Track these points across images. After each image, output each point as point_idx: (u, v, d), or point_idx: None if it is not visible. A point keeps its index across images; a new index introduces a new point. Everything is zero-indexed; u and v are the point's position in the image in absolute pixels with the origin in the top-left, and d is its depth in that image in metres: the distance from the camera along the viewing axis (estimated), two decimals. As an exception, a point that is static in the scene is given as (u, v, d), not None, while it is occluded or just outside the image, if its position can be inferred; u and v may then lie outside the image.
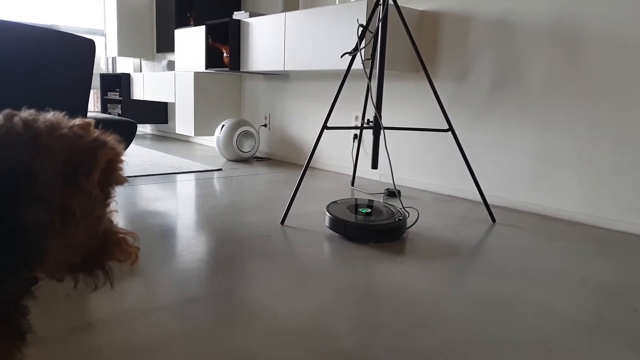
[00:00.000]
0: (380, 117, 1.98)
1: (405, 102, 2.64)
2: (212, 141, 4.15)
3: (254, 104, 3.73)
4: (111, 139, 0.45)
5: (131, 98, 4.48)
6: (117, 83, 4.60)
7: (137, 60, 5.12)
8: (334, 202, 1.83)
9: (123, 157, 0.47)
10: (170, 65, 4.27)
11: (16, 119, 0.44)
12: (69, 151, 0.42)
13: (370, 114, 2.58)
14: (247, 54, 3.11)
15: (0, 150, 0.39)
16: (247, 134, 3.41)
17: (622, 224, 1.90)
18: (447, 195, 2.48)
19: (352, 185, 2.65)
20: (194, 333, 1.01)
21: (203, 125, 3.65)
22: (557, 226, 1.95)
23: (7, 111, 0.46)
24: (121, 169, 0.49)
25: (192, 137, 4.44)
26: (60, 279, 0.48)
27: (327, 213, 1.72)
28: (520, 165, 2.19)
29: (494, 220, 1.98)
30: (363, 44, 1.98)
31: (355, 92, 2.89)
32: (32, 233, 0.39)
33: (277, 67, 2.89)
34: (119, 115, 4.47)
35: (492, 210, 2.15)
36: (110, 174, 0.45)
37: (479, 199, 2.33)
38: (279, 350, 0.95)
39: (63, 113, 0.53)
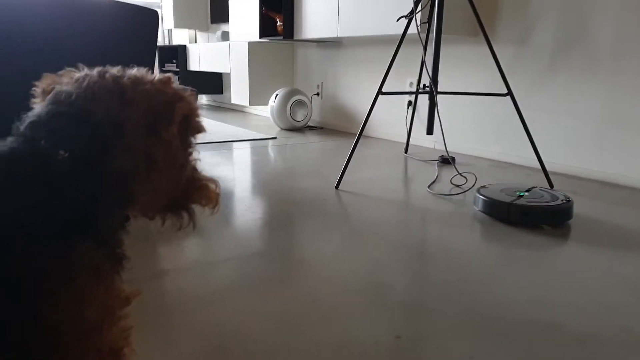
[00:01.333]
0: (437, 82, 1.95)
1: (462, 67, 2.58)
2: (266, 110, 4.23)
3: (307, 72, 3.75)
4: (188, 93, 0.50)
5: (187, 69, 4.61)
6: (174, 55, 4.74)
7: (192, 31, 5.24)
8: (482, 186, 1.68)
9: (199, 111, 0.51)
10: (225, 36, 4.34)
11: (107, 75, 0.49)
12: (150, 105, 0.47)
13: (425, 80, 2.55)
14: (300, 22, 3.13)
15: (93, 103, 0.44)
16: (300, 103, 3.45)
17: (692, 192, 1.82)
18: (505, 162, 2.43)
19: (406, 152, 2.64)
20: (259, 282, 1.08)
21: (257, 95, 3.72)
22: (619, 193, 1.88)
23: (100, 68, 0.51)
24: (198, 120, 0.53)
25: (247, 106, 4.53)
26: (151, 217, 0.54)
27: (480, 196, 1.59)
28: (583, 130, 2.11)
29: (552, 186, 1.94)
30: (419, 7, 1.94)
31: (409, 58, 2.85)
32: (121, 177, 0.45)
33: (331, 33, 2.89)
34: (176, 86, 4.62)
35: (552, 177, 2.09)
36: (188, 126, 0.49)
37: (537, 165, 2.27)
38: (339, 300, 1.00)
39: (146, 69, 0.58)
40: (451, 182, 1.99)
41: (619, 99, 1.98)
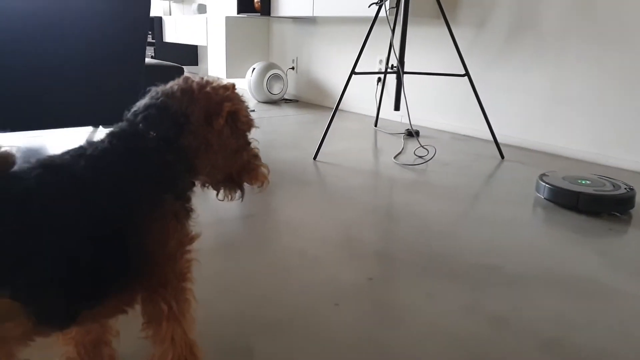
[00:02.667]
0: (403, 63, 2.17)
1: (428, 48, 2.79)
2: (243, 83, 4.36)
3: (282, 47, 3.90)
4: (235, 96, 0.68)
5: (163, 41, 4.66)
6: (150, 26, 4.77)
7: (166, 3, 5.25)
8: (544, 174, 1.73)
9: (244, 110, 0.69)
10: (201, 9, 4.41)
11: (189, 80, 0.68)
12: (207, 103, 0.66)
13: (394, 59, 2.75)
14: None
15: (172, 99, 0.64)
16: (276, 77, 3.61)
17: (619, 161, 2.11)
18: (464, 135, 2.69)
19: (376, 126, 2.87)
20: (252, 238, 1.29)
21: (234, 68, 3.85)
22: (560, 162, 2.17)
23: (185, 75, 0.70)
24: (244, 118, 0.70)
25: (224, 79, 4.64)
26: (212, 187, 0.73)
27: (546, 185, 1.64)
28: (533, 106, 2.38)
29: (502, 156, 2.21)
30: (390, -6, 2.13)
31: (380, 37, 3.04)
32: (189, 153, 0.65)
33: (307, 12, 3.04)
34: (152, 57, 4.68)
35: (505, 148, 2.36)
36: (236, 120, 0.68)
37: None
38: (321, 251, 1.23)
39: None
40: (415, 154, 2.23)
41: (565, 78, 2.24)
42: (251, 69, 3.62)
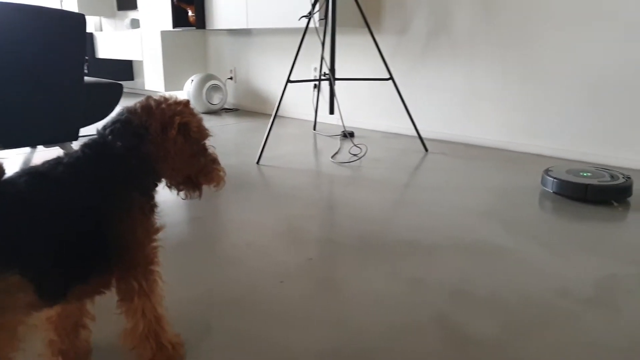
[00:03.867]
0: (334, 70, 2.36)
1: (357, 55, 3.02)
2: (182, 95, 4.42)
3: (220, 58, 4.02)
4: (186, 110, 0.82)
5: (96, 57, 4.65)
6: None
7: (96, 18, 5.22)
8: (548, 169, 1.83)
9: (195, 122, 0.82)
10: (134, 24, 4.44)
11: (149, 99, 0.81)
12: (162, 116, 0.80)
13: (326, 67, 2.95)
14: (211, 13, 3.38)
15: (134, 115, 0.78)
16: (215, 87, 3.73)
17: (524, 146, 2.41)
18: (393, 132, 2.93)
19: (314, 129, 3.05)
20: (203, 236, 1.43)
21: (173, 81, 3.93)
22: (477, 151, 2.44)
23: (147, 95, 0.83)
24: (195, 128, 0.82)
25: (162, 92, 4.68)
26: (173, 188, 0.86)
27: (553, 179, 1.75)
28: (450, 103, 2.65)
29: (426, 149, 2.45)
30: (317, 8, 2.33)
31: (313, 47, 3.24)
32: (150, 158, 0.78)
33: (241, 25, 3.19)
34: (85, 74, 4.65)
35: (429, 142, 2.61)
36: (188, 130, 0.81)
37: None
38: (267, 241, 1.39)
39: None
40: (350, 152, 2.43)
41: (475, 76, 2.52)
42: (190, 80, 3.72)
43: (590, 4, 2.12)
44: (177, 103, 0.79)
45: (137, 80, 4.94)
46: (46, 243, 0.63)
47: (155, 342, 0.78)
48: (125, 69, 4.88)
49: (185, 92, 3.72)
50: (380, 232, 1.45)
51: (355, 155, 2.38)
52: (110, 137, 0.74)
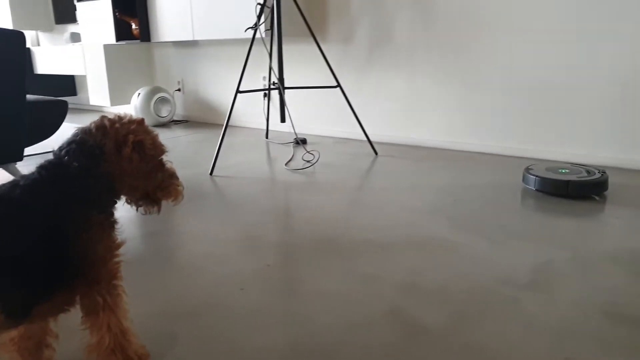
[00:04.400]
0: (283, 79, 2.42)
1: (305, 64, 3.08)
2: (129, 110, 4.35)
3: (166, 70, 3.98)
4: (139, 128, 0.84)
5: (35, 73, 4.49)
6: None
7: (33, 33, 5.04)
8: (529, 167, 1.91)
9: (149, 139, 0.84)
10: (75, 37, 4.33)
11: (104, 119, 0.83)
12: (116, 136, 0.82)
13: (275, 77, 3.00)
14: (156, 25, 3.36)
15: (89, 135, 0.80)
16: (163, 100, 3.69)
17: (465, 145, 2.55)
18: (344, 137, 3.01)
19: (267, 138, 3.09)
20: (161, 249, 1.44)
21: (118, 95, 3.86)
22: (423, 152, 2.56)
23: (101, 115, 0.85)
24: (150, 145, 0.84)
25: (107, 107, 4.58)
26: (132, 204, 0.88)
27: (535, 177, 1.81)
28: (395, 107, 2.76)
29: (376, 153, 2.55)
30: (262, 20, 2.38)
31: (261, 57, 3.28)
32: (106, 177, 0.80)
33: (187, 37, 3.19)
34: (26, 91, 4.48)
35: (378, 146, 2.71)
36: (142, 148, 0.83)
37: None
38: (226, 250, 1.42)
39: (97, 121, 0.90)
40: (303, 159, 2.49)
41: (417, 81, 2.64)
42: (136, 94, 3.67)
43: (519, 12, 2.28)
44: (131, 122, 0.82)
45: (80, 95, 4.81)
46: (8, 264, 0.64)
47: (122, 355, 0.80)
48: (66, 85, 4.74)
49: (132, 105, 3.67)
50: (334, 234, 1.51)
51: (308, 161, 2.44)
52: (66, 158, 0.76)
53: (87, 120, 4.00)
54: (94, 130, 0.79)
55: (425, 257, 1.34)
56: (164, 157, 0.87)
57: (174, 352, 0.94)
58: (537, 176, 1.82)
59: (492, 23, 2.36)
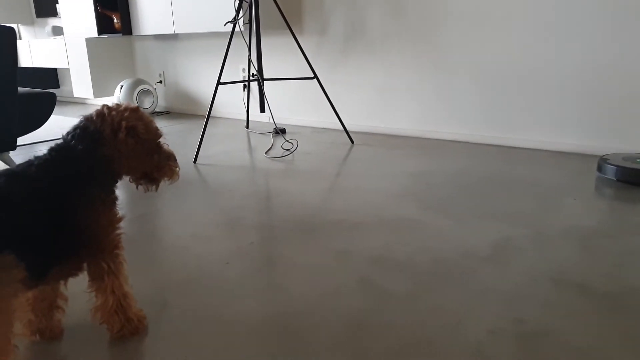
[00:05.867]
0: (262, 71, 2.52)
1: (283, 55, 3.19)
2: (112, 101, 4.39)
3: (148, 63, 4.04)
4: (132, 115, 0.94)
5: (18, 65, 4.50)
6: None
7: (14, 26, 5.02)
8: (604, 157, 1.94)
9: (141, 125, 0.94)
10: (57, 31, 4.35)
11: (104, 106, 0.93)
12: (112, 122, 0.92)
13: (254, 68, 3.10)
14: (137, 19, 3.42)
15: (90, 122, 0.90)
16: (145, 92, 3.76)
17: (439, 134, 2.69)
18: (322, 127, 3.13)
19: (247, 128, 3.19)
20: (150, 231, 1.55)
21: (101, 87, 3.91)
22: (397, 141, 2.69)
23: (104, 103, 0.95)
24: (143, 130, 0.94)
25: (91, 99, 4.62)
26: (133, 183, 0.99)
27: (614, 166, 1.86)
28: (370, 97, 2.88)
29: (352, 142, 2.67)
30: (241, 14, 2.47)
31: (241, 49, 3.37)
32: (107, 159, 0.91)
33: (168, 30, 3.26)
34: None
35: (354, 135, 2.84)
36: (136, 133, 0.93)
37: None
38: (211, 231, 1.53)
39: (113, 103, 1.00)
40: (282, 148, 2.60)
41: (391, 72, 2.77)
42: (119, 86, 3.72)
43: (488, 2, 2.42)
44: (126, 109, 0.92)
45: (63, 88, 4.83)
46: (28, 230, 0.75)
47: (123, 316, 0.92)
48: (49, 77, 4.76)
49: (116, 97, 3.73)
50: (313, 216, 1.63)
51: (287, 150, 2.55)
52: (72, 141, 0.87)
53: (71, 112, 4.03)
54: (94, 117, 0.89)
55: (394, 235, 1.47)
56: (161, 141, 0.97)
57: (166, 315, 1.06)
58: (614, 165, 1.87)
59: (461, 13, 2.50)
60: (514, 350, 0.92)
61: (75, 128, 0.88)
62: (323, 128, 3.12)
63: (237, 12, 2.42)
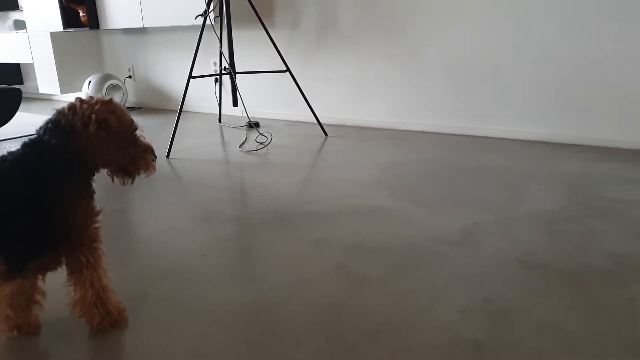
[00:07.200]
0: (234, 65, 2.52)
1: (256, 49, 3.18)
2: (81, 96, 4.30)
3: (116, 57, 3.97)
4: (104, 108, 0.94)
5: (-24, 61, 4.36)
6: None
7: (-28, 19, 4.85)
8: None
9: (113, 118, 0.94)
10: (19, 25, 4.23)
11: (76, 100, 0.93)
12: (83, 115, 0.92)
13: (226, 62, 3.09)
14: (104, 13, 3.36)
15: (62, 115, 0.90)
16: (115, 87, 3.70)
17: (410, 125, 2.74)
18: (295, 120, 3.15)
19: (220, 122, 3.18)
20: (126, 225, 1.55)
21: (68, 83, 3.83)
22: (369, 132, 2.73)
23: (77, 97, 0.94)
24: (115, 123, 0.93)
25: (57, 95, 4.51)
26: (109, 176, 0.99)
27: None
28: (342, 90, 2.92)
29: (326, 134, 2.70)
30: (212, 7, 2.46)
31: (212, 43, 3.35)
32: (80, 152, 0.91)
33: (137, 24, 3.21)
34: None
35: (328, 127, 2.87)
36: (108, 126, 0.93)
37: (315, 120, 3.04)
38: (188, 225, 1.54)
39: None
40: (256, 141, 2.62)
41: (362, 66, 2.81)
42: (87, 82, 3.65)
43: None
44: (97, 102, 0.92)
45: (27, 83, 4.70)
46: (5, 224, 0.75)
47: (103, 309, 0.93)
48: (12, 73, 4.62)
49: (84, 93, 3.65)
50: (288, 207, 1.66)
51: (261, 143, 2.57)
52: (45, 136, 0.87)
53: (37, 108, 3.93)
54: (66, 110, 0.90)
55: (367, 223, 1.51)
56: (138, 133, 0.98)
57: (145, 308, 1.07)
58: None
59: (430, 6, 2.55)
60: (484, 327, 0.97)
61: (48, 122, 0.88)
62: (297, 121, 3.14)
63: (208, 5, 2.41)
